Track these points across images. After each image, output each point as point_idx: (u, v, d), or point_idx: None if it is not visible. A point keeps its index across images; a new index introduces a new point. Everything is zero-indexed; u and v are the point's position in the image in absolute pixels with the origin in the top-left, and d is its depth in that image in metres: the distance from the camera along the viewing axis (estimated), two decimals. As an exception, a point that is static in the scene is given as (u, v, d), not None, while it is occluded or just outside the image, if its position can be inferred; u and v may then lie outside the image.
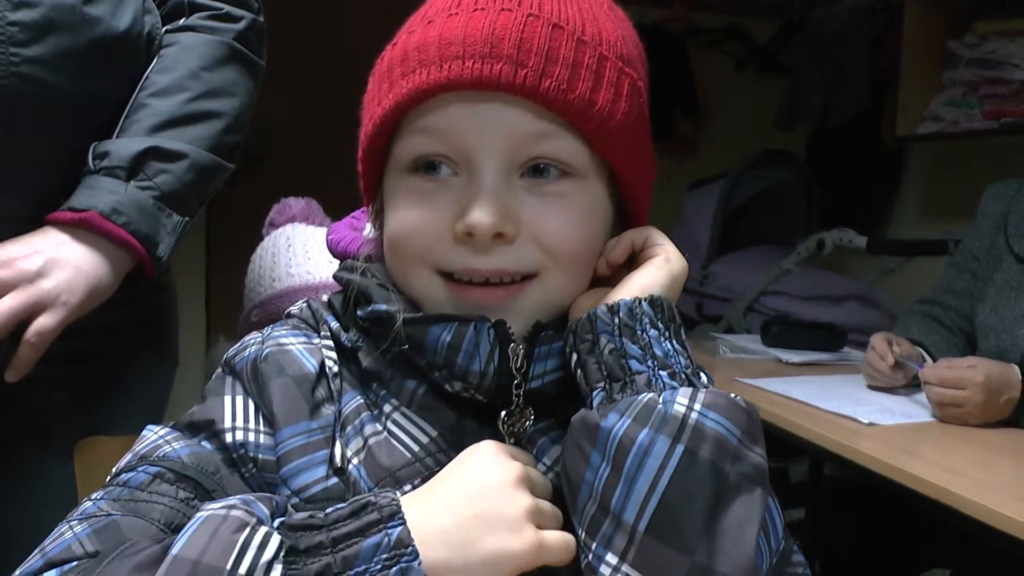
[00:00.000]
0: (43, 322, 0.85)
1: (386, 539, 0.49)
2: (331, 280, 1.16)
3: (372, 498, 0.52)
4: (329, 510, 0.51)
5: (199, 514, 0.50)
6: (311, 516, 0.51)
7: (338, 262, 1.19)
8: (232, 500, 0.51)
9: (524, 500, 0.54)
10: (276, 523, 0.50)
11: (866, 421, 1.37)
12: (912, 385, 1.59)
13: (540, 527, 0.54)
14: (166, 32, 1.03)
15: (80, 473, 1.04)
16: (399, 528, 0.50)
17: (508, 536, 0.52)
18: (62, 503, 1.03)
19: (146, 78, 0.99)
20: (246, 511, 0.50)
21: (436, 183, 0.60)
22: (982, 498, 1.08)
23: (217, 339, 1.31)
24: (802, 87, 3.10)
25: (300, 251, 1.21)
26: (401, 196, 0.61)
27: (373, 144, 0.62)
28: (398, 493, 0.53)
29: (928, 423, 1.42)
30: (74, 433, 1.03)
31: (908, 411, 1.46)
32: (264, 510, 0.51)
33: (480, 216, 0.57)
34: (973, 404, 1.36)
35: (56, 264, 0.87)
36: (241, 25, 1.06)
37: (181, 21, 1.04)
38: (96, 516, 0.54)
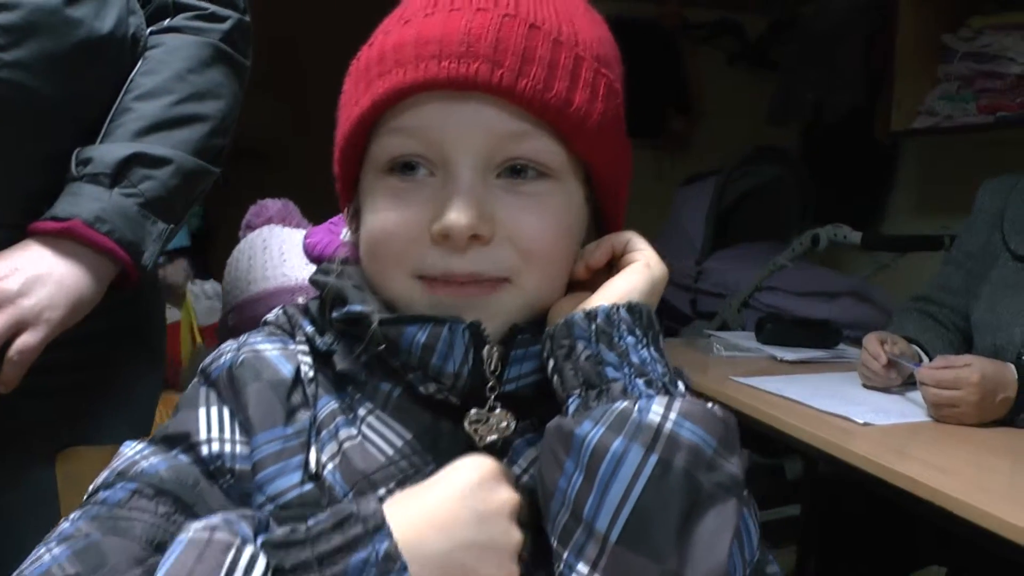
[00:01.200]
0: (25, 340, 0.85)
1: (373, 554, 0.48)
2: (307, 282, 1.15)
3: (354, 508, 0.50)
4: (311, 522, 0.50)
5: (181, 536, 0.49)
6: (292, 530, 0.50)
7: (312, 265, 1.18)
8: (214, 520, 0.50)
9: (517, 536, 0.53)
10: (259, 541, 0.49)
11: (861, 421, 1.36)
12: (908, 383, 1.58)
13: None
14: (151, 33, 1.02)
15: (62, 483, 1.03)
16: (386, 542, 0.49)
17: (498, 570, 0.52)
18: (45, 514, 1.03)
19: (131, 80, 0.98)
20: (230, 531, 0.49)
21: (412, 183, 0.59)
22: (975, 499, 1.06)
23: (200, 345, 1.29)
24: (795, 83, 3.08)
25: (276, 253, 1.20)
26: (378, 197, 0.61)
27: (349, 144, 0.62)
28: (379, 503, 0.51)
29: (924, 423, 1.40)
30: (59, 442, 1.02)
31: (904, 410, 1.45)
32: (247, 530, 0.50)
33: (456, 217, 0.56)
34: (969, 404, 1.35)
35: (37, 281, 0.86)
36: (227, 25, 1.05)
37: (166, 22, 1.03)
38: (75, 537, 0.53)
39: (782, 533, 2.02)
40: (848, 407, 1.42)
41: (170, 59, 1.00)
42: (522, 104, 0.57)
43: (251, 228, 1.30)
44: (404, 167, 0.59)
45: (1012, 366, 1.37)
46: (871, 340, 1.59)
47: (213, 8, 1.04)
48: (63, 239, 0.88)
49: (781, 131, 3.19)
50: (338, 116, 0.64)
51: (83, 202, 0.90)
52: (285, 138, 3.33)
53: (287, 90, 3.20)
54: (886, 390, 1.58)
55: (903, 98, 2.55)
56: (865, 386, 1.62)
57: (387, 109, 0.59)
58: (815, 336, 1.99)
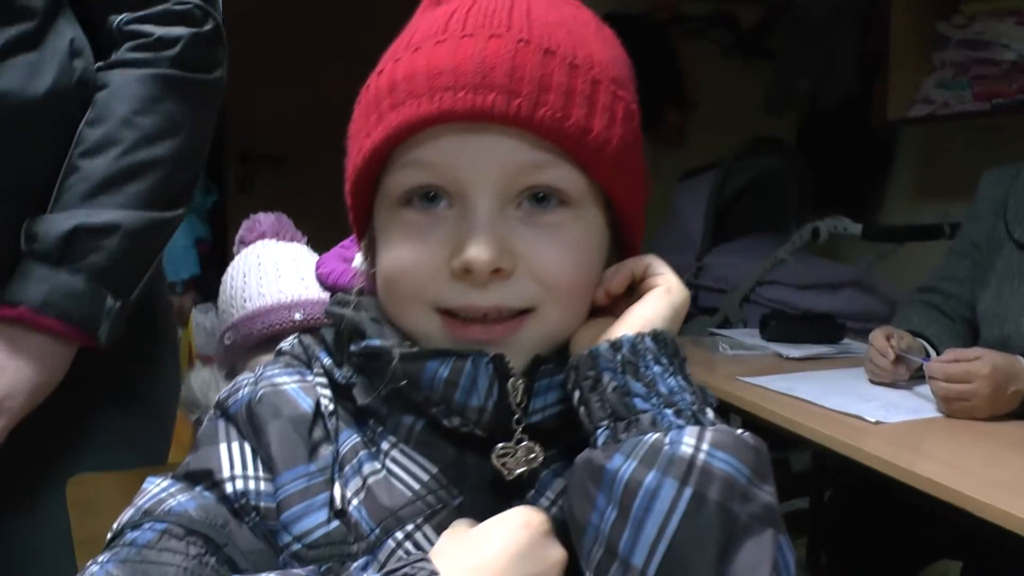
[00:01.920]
0: None
1: None
2: (302, 298, 1.14)
3: (409, 570, 0.50)
4: None
5: None
6: None
7: (308, 279, 1.17)
8: (269, 574, 0.49)
9: None
10: None
11: (873, 419, 1.35)
12: (916, 377, 1.57)
13: None
14: (99, 70, 0.96)
15: (73, 510, 1.02)
16: None
17: None
18: (55, 541, 1.02)
19: (79, 133, 0.94)
20: None
21: (429, 216, 0.58)
22: (990, 497, 1.06)
23: (193, 364, 1.28)
24: (790, 72, 3.07)
25: (271, 269, 1.18)
26: (394, 231, 0.59)
27: (362, 177, 0.60)
28: (435, 560, 0.51)
29: (935, 418, 1.40)
30: (70, 467, 1.01)
31: (914, 406, 1.45)
32: None
33: (477, 252, 0.55)
34: (980, 397, 1.34)
35: None
36: (176, 49, 0.98)
37: (113, 54, 0.97)
38: None
39: (790, 526, 2.01)
40: (859, 405, 1.42)
41: (115, 103, 0.94)
42: (540, 134, 0.55)
43: (244, 243, 1.28)
44: (421, 198, 0.58)
45: (1022, 359, 1.36)
46: (877, 336, 1.58)
47: (159, 33, 0.97)
48: (15, 326, 0.88)
49: (777, 121, 3.18)
50: (348, 145, 0.62)
51: (31, 285, 0.88)
52: (305, 138, 3.31)
53: (305, 89, 3.16)
54: (894, 385, 1.58)
55: (899, 86, 2.54)
56: (872, 382, 1.61)
57: (400, 142, 0.57)
58: (820, 331, 1.98)
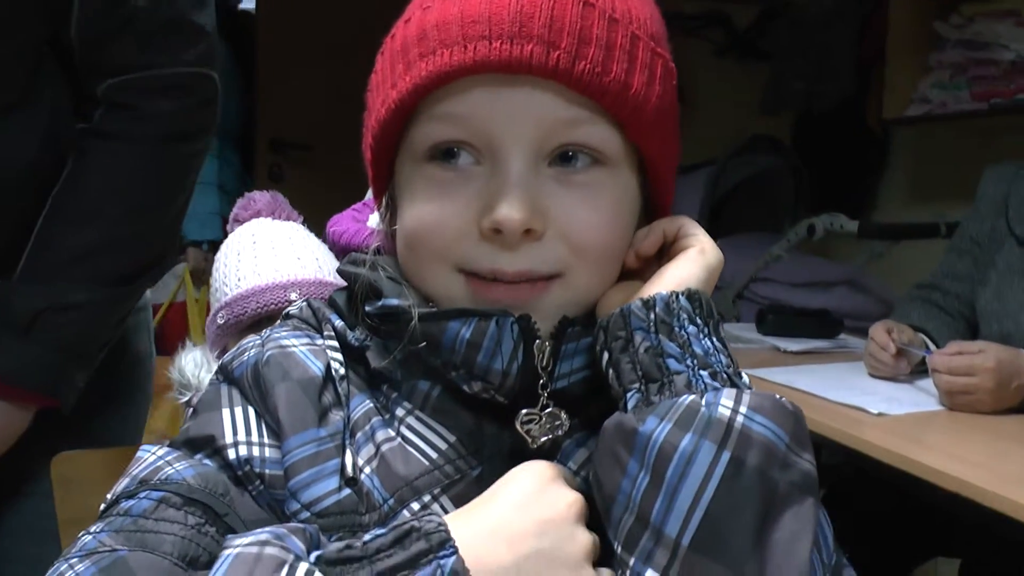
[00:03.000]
0: None
1: (439, 570, 0.45)
2: (299, 278, 1.11)
3: (416, 523, 0.47)
4: (367, 537, 0.46)
5: (227, 552, 0.45)
6: (348, 546, 0.46)
7: (305, 258, 1.14)
8: (263, 535, 0.46)
9: (585, 538, 0.50)
10: (313, 558, 0.45)
11: (875, 412, 1.34)
12: (916, 372, 1.56)
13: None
14: (80, 131, 0.93)
15: (57, 487, 0.99)
16: (452, 558, 0.45)
17: None
18: (40, 518, 0.99)
19: (54, 199, 0.92)
20: (281, 547, 0.45)
21: (456, 173, 0.55)
22: (999, 488, 1.04)
23: (184, 344, 1.24)
24: (786, 72, 3.06)
25: (266, 248, 1.15)
26: (418, 187, 0.56)
27: (386, 130, 0.57)
28: (443, 516, 0.48)
29: (937, 411, 1.38)
30: (55, 444, 0.98)
31: (916, 399, 1.43)
32: (299, 545, 0.46)
33: (509, 211, 0.52)
34: (984, 391, 1.33)
35: None
36: (158, 126, 0.94)
37: (95, 115, 0.93)
38: (99, 552, 0.49)
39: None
40: (861, 397, 1.40)
41: (91, 176, 0.93)
42: (579, 89, 0.52)
43: (239, 222, 1.24)
44: (446, 154, 0.55)
45: None
46: (878, 330, 1.57)
47: (142, 105, 0.93)
48: None
49: (772, 121, 3.16)
50: (368, 99, 0.60)
51: None
52: (336, 128, 3.26)
53: (338, 77, 3.12)
54: (894, 379, 1.56)
55: (896, 86, 2.53)
56: (872, 375, 1.60)
57: (430, 93, 0.54)
58: (816, 326, 1.97)
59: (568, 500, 0.51)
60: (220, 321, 1.14)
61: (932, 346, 1.58)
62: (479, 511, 0.50)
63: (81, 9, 0.89)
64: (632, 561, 0.48)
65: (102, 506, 0.54)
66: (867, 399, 1.39)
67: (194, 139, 0.99)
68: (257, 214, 1.22)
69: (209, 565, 0.45)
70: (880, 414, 1.34)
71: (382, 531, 0.47)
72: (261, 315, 1.09)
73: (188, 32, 0.94)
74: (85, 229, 0.92)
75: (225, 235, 1.24)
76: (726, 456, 0.47)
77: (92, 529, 0.51)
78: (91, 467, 1.00)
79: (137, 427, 1.16)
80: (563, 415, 0.56)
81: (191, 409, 0.63)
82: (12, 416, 0.93)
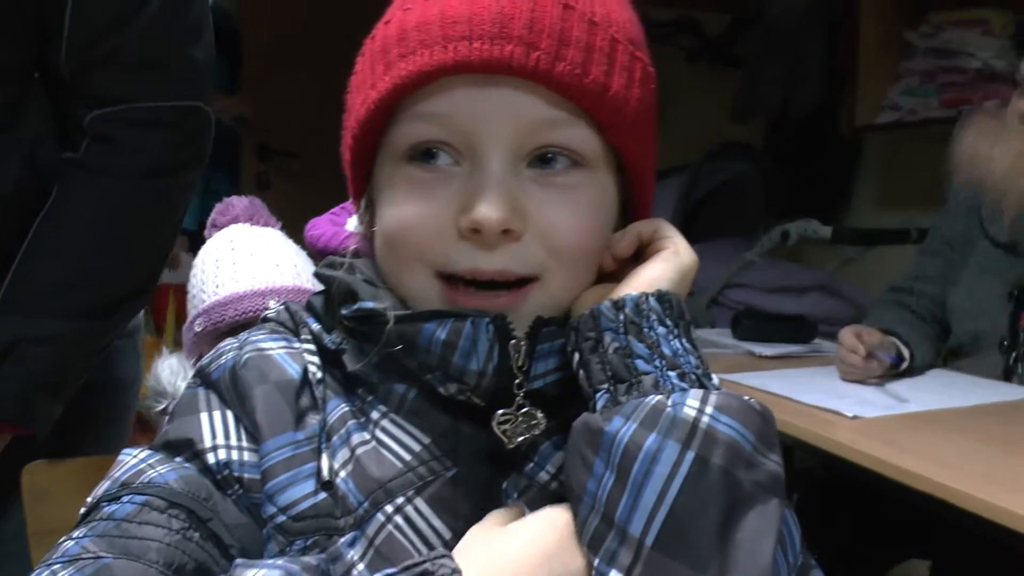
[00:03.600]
0: None
1: None
2: (278, 285, 1.10)
3: (429, 566, 0.47)
4: None
5: None
6: None
7: (283, 265, 1.13)
8: (274, 571, 0.46)
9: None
10: None
11: (850, 415, 1.35)
12: (888, 376, 1.57)
13: None
14: (63, 160, 0.93)
15: (28, 497, 0.97)
16: None
17: None
18: (8, 528, 0.97)
19: (36, 230, 0.92)
20: None
21: (436, 173, 0.55)
22: (974, 490, 1.05)
23: (161, 351, 1.23)
24: (758, 79, 3.09)
25: (244, 255, 1.14)
26: (397, 187, 0.56)
27: (365, 130, 0.57)
28: (457, 560, 0.48)
29: (910, 414, 1.39)
30: (26, 454, 0.96)
31: (888, 402, 1.44)
32: None
33: (488, 211, 0.52)
34: None
35: None
36: (142, 162, 0.94)
37: (81, 146, 0.93)
38: (83, 559, 0.48)
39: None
40: (835, 401, 1.41)
41: (73, 208, 0.92)
42: (559, 90, 0.53)
43: (217, 227, 1.23)
44: (426, 155, 0.55)
45: None
46: (847, 334, 1.58)
47: (126, 140, 0.93)
48: None
49: (744, 128, 3.19)
50: (348, 100, 0.59)
51: None
52: (318, 133, 3.24)
53: (323, 84, 3.10)
54: (867, 382, 1.58)
55: (867, 93, 2.57)
56: (844, 379, 1.61)
57: (410, 93, 0.54)
58: (791, 331, 1.98)
59: (581, 563, 0.51)
60: (197, 328, 1.13)
61: (905, 351, 1.59)
62: (495, 552, 0.50)
63: (70, 34, 0.87)
64: (596, 561, 0.48)
65: (82, 510, 0.54)
66: (841, 402, 1.40)
67: (181, 172, 0.98)
68: (235, 219, 1.21)
69: (195, 572, 0.45)
70: (855, 417, 1.35)
71: (393, 570, 0.47)
72: (239, 322, 1.09)
73: (178, 65, 0.93)
74: (65, 262, 0.92)
75: (201, 229, 1.23)
76: (691, 456, 0.47)
77: (74, 534, 0.50)
78: (63, 478, 0.99)
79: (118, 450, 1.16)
80: (539, 415, 0.56)
81: (168, 415, 0.62)
82: None
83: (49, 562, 0.48)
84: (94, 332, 0.95)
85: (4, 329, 0.90)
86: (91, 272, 0.93)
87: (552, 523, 0.51)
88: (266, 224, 1.22)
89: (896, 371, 1.59)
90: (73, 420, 1.00)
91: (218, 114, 0.96)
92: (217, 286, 1.13)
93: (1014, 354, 1.40)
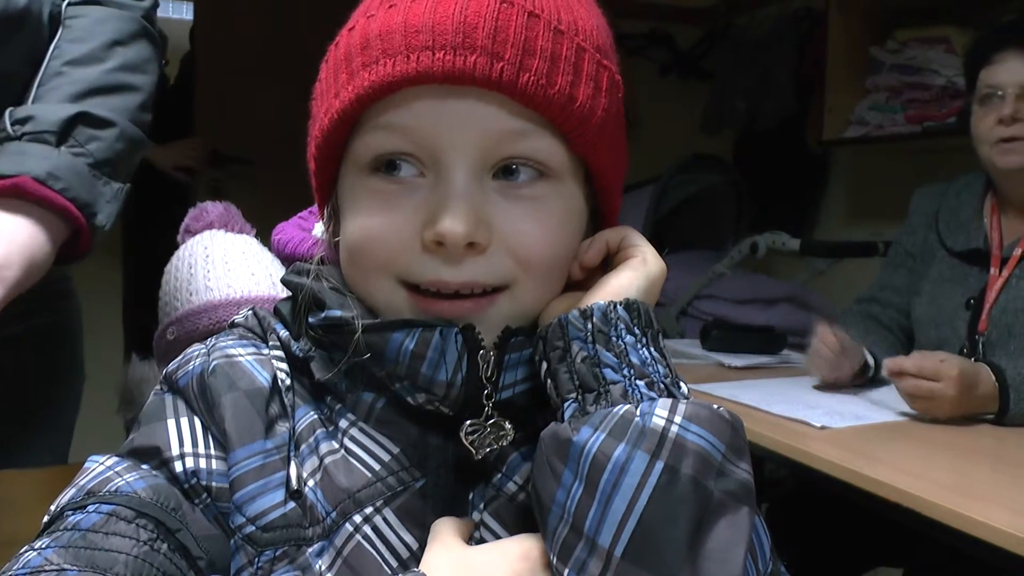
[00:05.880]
0: None
1: None
2: (253, 295, 1.08)
3: None
4: None
5: None
6: None
7: (259, 274, 1.11)
8: None
9: None
10: None
11: (818, 425, 1.36)
12: (857, 386, 1.59)
13: None
14: (69, 5, 0.99)
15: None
16: None
17: None
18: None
19: (56, 47, 0.96)
20: None
21: (399, 185, 0.54)
22: (939, 499, 1.06)
23: (131, 357, 1.21)
24: (728, 92, 3.12)
25: (219, 262, 1.12)
26: (361, 198, 0.55)
27: (328, 140, 0.56)
28: None
29: (877, 424, 1.41)
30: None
31: (857, 412, 1.46)
32: None
33: (452, 224, 0.51)
34: (945, 398, 1.34)
35: None
36: (147, 5, 1.04)
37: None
38: (45, 571, 0.46)
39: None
40: (804, 411, 1.42)
41: (97, 29, 0.98)
42: (523, 100, 0.52)
43: (191, 233, 1.21)
44: (389, 166, 0.54)
45: (985, 366, 1.38)
46: (822, 328, 1.59)
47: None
48: (10, 197, 0.84)
49: (713, 140, 3.22)
50: (313, 107, 0.58)
51: (30, 160, 0.85)
52: (273, 139, 3.20)
53: (281, 90, 3.07)
54: (836, 391, 1.59)
55: (834, 108, 2.60)
56: (816, 388, 1.62)
57: (373, 103, 0.53)
58: (760, 342, 2.00)
59: None
60: (170, 337, 1.11)
61: (871, 360, 1.61)
62: None
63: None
64: (566, 572, 0.48)
65: (46, 518, 0.52)
66: (810, 412, 1.41)
67: (159, 34, 1.08)
68: (209, 226, 1.19)
69: None
70: (823, 427, 1.36)
71: None
72: (213, 331, 1.06)
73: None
74: (92, 69, 0.95)
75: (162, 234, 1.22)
76: (660, 465, 0.47)
77: (36, 544, 0.49)
78: (25, 487, 0.97)
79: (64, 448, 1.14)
80: (507, 425, 0.56)
81: (136, 421, 0.61)
82: (44, 226, 0.86)
83: (9, 573, 0.46)
84: (137, 137, 0.98)
85: (60, 108, 0.90)
86: (122, 84, 0.97)
87: (524, 553, 0.52)
88: (240, 231, 1.20)
89: (863, 380, 1.61)
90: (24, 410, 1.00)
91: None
92: (191, 294, 1.11)
93: (972, 360, 1.42)
